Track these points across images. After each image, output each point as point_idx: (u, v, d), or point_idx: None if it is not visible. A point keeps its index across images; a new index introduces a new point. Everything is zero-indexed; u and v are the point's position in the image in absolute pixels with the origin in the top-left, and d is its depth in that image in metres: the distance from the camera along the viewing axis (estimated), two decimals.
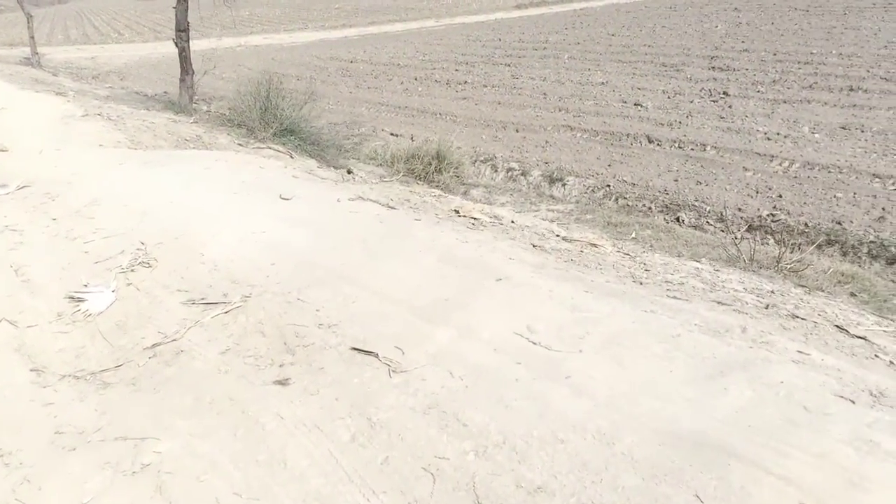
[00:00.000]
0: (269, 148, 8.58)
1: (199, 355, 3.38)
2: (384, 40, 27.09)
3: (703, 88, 12.93)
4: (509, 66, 17.78)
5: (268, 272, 4.21)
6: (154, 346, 3.51)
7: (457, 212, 5.58)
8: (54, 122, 8.60)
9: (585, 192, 8.78)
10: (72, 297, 3.93)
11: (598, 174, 9.05)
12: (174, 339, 3.55)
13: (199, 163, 6.61)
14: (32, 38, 22.54)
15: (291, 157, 8.30)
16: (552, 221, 7.78)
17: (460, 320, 3.46)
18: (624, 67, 15.80)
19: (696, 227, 7.44)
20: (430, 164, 9.66)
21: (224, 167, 6.42)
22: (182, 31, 12.88)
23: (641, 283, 4.05)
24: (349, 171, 6.94)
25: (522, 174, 9.57)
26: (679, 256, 6.17)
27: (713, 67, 14.64)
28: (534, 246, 4.69)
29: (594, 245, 5.43)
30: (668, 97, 12.56)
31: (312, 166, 7.97)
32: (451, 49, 22.25)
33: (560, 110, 12.59)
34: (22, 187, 6.00)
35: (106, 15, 55.44)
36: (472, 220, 5.39)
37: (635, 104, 12.27)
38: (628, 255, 5.30)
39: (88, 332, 3.66)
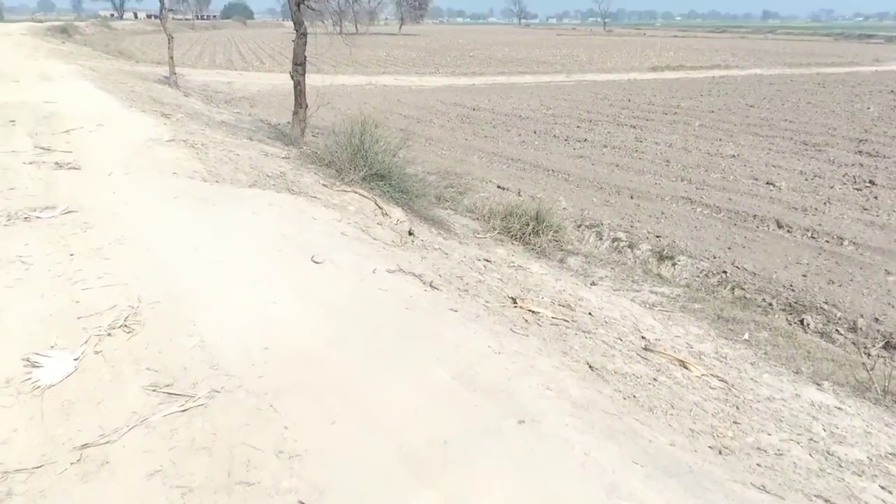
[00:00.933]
0: (355, 192, 8.07)
1: (120, 473, 2.67)
2: (510, 91, 26.73)
3: (846, 174, 11.40)
4: (634, 128, 16.79)
5: (255, 359, 3.49)
6: (84, 446, 2.85)
7: (514, 301, 4.68)
8: (138, 145, 8.49)
9: (697, 276, 7.72)
10: (28, 361, 3.38)
11: (714, 257, 7.98)
12: (108, 442, 2.88)
13: (250, 205, 6.11)
14: (171, 58, 23.86)
15: (377, 206, 7.74)
16: (652, 307, 6.74)
17: (453, 483, 2.56)
18: (759, 142, 14.40)
19: (822, 335, 6.28)
20: (528, 225, 8.85)
21: (273, 215, 5.87)
22: (299, 65, 12.88)
23: (721, 452, 2.98)
24: (410, 233, 6.22)
25: (629, 246, 8.58)
26: (796, 375, 4.99)
27: (860, 152, 12.99)
28: (590, 368, 3.71)
29: (683, 364, 4.39)
30: (806, 179, 11.14)
31: (397, 217, 7.36)
32: (577, 105, 21.50)
33: (682, 180, 11.48)
34: (67, 212, 5.72)
35: (253, 43, 59.11)
36: (529, 315, 4.47)
37: (767, 183, 10.96)
38: (722, 383, 4.21)
39: (29, 410, 3.05)
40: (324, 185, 8.22)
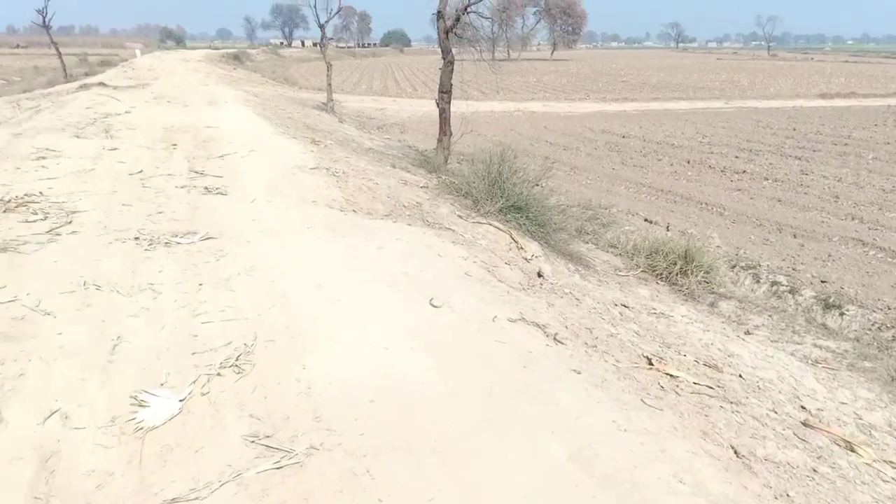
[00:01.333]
0: (490, 224, 7.80)
1: None
2: (664, 118, 25.60)
3: None
4: (799, 159, 15.39)
5: (358, 413, 3.23)
6: (174, 500, 2.70)
7: (650, 362, 4.12)
8: (283, 172, 8.73)
9: (869, 329, 6.82)
10: (135, 399, 3.32)
11: (889, 308, 7.00)
12: (198, 498, 2.71)
13: (378, 239, 5.98)
14: (329, 85, 25.08)
15: (512, 239, 7.42)
16: (815, 364, 5.87)
17: None
18: None
19: None
20: (676, 263, 8.15)
21: (398, 250, 5.68)
22: (444, 93, 12.93)
23: None
24: (540, 275, 5.79)
25: (790, 292, 7.71)
26: None
27: None
28: (735, 454, 3.11)
29: (849, 447, 3.65)
30: None
31: (532, 251, 7.00)
32: (735, 133, 20.12)
33: (853, 219, 10.26)
34: (206, 238, 5.86)
35: (408, 70, 61.28)
36: (666, 380, 3.89)
37: None
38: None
39: (128, 454, 2.97)
40: (459, 216, 8.00)
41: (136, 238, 5.77)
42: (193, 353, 3.74)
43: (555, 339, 4.09)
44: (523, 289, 5.23)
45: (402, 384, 3.48)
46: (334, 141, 13.48)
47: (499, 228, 7.73)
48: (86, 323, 4.02)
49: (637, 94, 37.18)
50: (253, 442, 3.05)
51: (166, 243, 5.69)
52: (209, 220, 6.47)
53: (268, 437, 3.10)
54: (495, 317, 4.30)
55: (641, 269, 8.32)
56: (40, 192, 7.07)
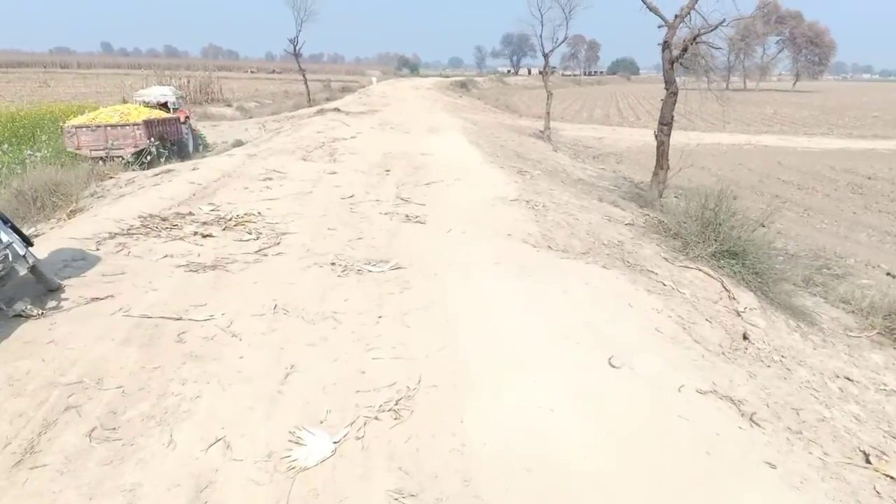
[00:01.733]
0: (699, 269, 7.19)
1: None
2: None
3: None
4: None
5: (510, 483, 3.01)
6: None
7: (867, 458, 3.38)
8: (483, 203, 8.78)
9: None
10: (293, 435, 3.39)
11: None
12: None
13: (565, 282, 5.69)
14: (548, 113, 25.26)
15: (724, 288, 6.76)
16: None
17: None
18: None
19: None
20: None
21: (584, 296, 5.35)
22: (665, 125, 12.35)
23: None
24: (745, 337, 5.10)
25: None
26: None
27: None
28: None
29: None
30: None
31: (745, 303, 6.31)
32: None
33: None
34: (395, 268, 6.01)
35: (632, 98, 59.81)
36: (886, 483, 3.15)
37: None
38: None
39: (276, 494, 3.01)
40: (664, 258, 7.47)
41: (333, 263, 6.08)
42: (357, 392, 3.77)
43: (750, 419, 3.52)
44: (722, 353, 4.63)
45: (562, 455, 3.19)
46: (542, 171, 13.42)
47: (709, 275, 7.07)
48: (266, 349, 4.25)
49: (890, 131, 32.62)
50: (397, 500, 2.96)
51: (358, 270, 5.92)
52: (403, 249, 6.65)
53: (413, 496, 2.99)
54: (682, 386, 3.82)
55: (877, 332, 7.11)
56: (259, 213, 7.79)
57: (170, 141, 18.19)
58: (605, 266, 6.44)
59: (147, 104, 20.17)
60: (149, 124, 16.89)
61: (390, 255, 6.39)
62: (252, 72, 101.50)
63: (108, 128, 16.30)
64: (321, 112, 25.19)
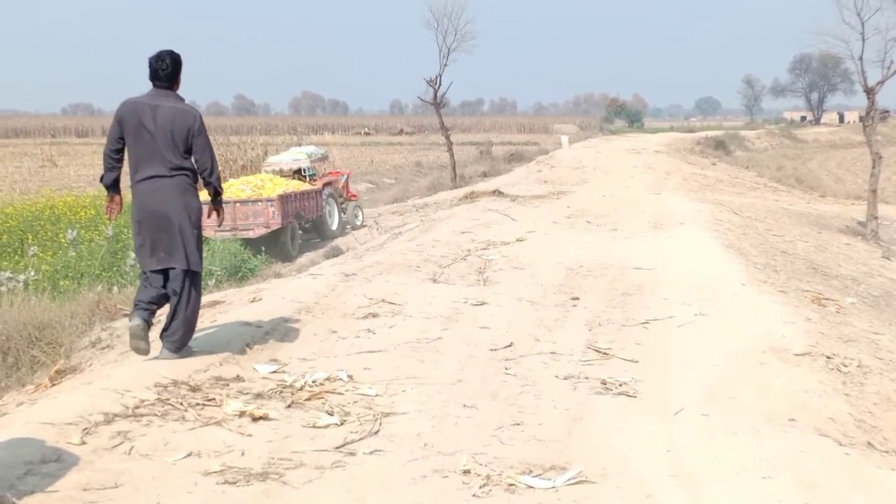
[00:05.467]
0: None
1: None
2: None
3: None
4: None
5: None
6: None
7: None
8: (742, 358, 8.44)
9: None
10: None
11: None
12: None
13: None
14: (873, 192, 24.00)
15: None
16: None
17: None
18: None
19: None
20: None
21: None
22: None
23: None
24: None
25: None
26: None
27: None
28: None
29: None
30: None
31: None
32: None
33: None
34: (577, 482, 5.77)
35: None
36: None
37: None
38: None
39: None
40: None
41: (467, 471, 5.95)
42: None
43: None
44: None
45: None
46: (860, 297, 12.83)
47: None
48: None
49: None
50: None
51: (510, 485, 5.76)
52: (592, 446, 6.48)
53: None
54: None
55: None
56: (349, 377, 7.87)
57: (305, 219, 23.98)
58: None
59: (282, 173, 26.20)
60: (285, 200, 22.27)
61: (569, 458, 6.22)
62: (367, 133, 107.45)
63: (238, 203, 21.80)
64: (471, 197, 25.95)
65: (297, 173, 26.28)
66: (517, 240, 16.67)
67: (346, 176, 30.78)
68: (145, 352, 8.00)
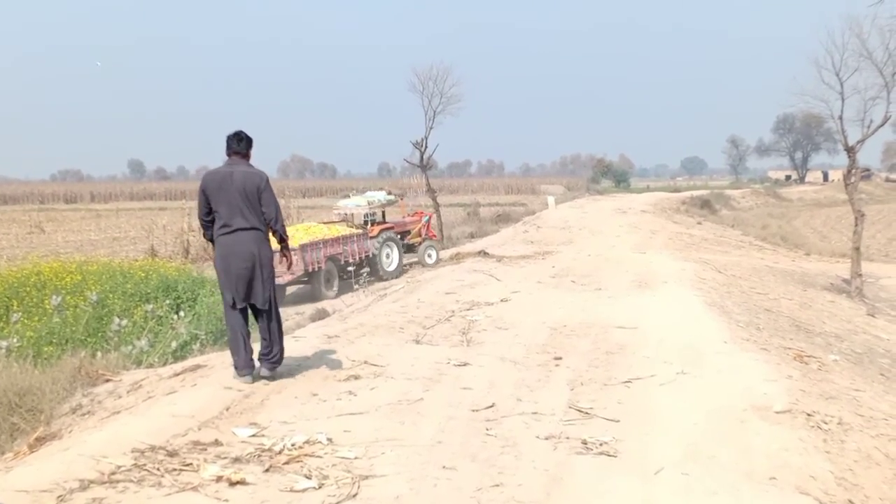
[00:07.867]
0: None
1: None
2: None
3: None
4: None
5: None
6: None
7: None
8: (723, 417, 8.44)
9: None
10: None
11: None
12: None
13: None
14: (856, 249, 24.16)
15: None
16: None
17: None
18: None
19: None
20: None
21: None
22: None
23: None
24: None
25: None
26: None
27: None
28: None
29: None
30: None
31: None
32: None
33: None
34: None
35: None
36: None
37: None
38: None
39: None
40: None
41: None
42: None
43: None
44: None
45: None
46: (843, 355, 12.81)
47: None
48: None
49: None
50: None
51: None
52: None
53: None
54: None
55: None
56: (329, 440, 7.80)
57: (345, 262, 25.20)
58: None
59: (345, 219, 28.58)
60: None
61: None
62: (353, 194, 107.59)
63: None
64: (457, 258, 26.00)
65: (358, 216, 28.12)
66: (501, 300, 16.69)
67: (428, 217, 32.29)
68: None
